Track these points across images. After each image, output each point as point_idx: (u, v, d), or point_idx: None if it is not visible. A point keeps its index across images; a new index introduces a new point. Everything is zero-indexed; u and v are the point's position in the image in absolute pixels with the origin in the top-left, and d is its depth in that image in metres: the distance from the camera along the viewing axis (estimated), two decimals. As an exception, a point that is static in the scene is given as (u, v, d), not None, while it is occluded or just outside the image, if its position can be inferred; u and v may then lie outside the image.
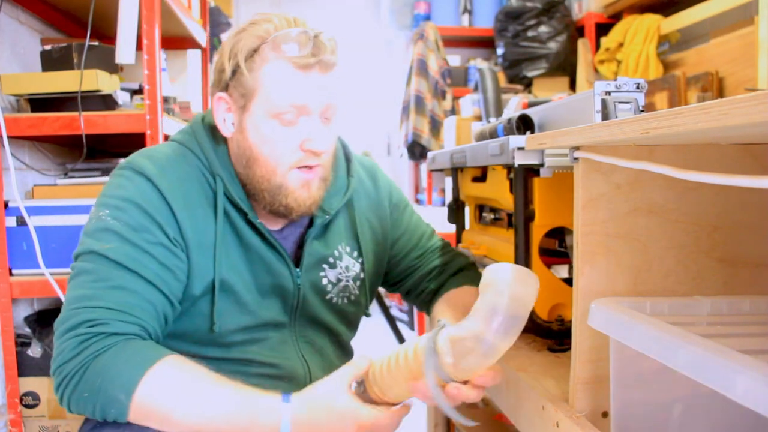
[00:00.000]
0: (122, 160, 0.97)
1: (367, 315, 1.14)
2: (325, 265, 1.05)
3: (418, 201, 4.12)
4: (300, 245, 1.04)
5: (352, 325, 1.13)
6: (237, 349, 0.98)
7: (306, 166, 0.95)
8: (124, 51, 1.55)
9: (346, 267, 1.07)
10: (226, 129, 0.97)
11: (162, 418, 0.80)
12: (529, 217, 0.95)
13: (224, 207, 0.95)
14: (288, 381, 0.99)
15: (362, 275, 1.10)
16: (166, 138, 1.64)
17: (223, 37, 3.26)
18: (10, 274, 1.58)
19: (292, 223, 1.03)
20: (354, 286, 1.09)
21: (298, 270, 1.01)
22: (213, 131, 1.00)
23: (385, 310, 2.78)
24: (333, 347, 1.09)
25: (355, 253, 1.09)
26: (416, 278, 1.17)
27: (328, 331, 1.08)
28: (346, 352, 1.13)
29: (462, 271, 1.15)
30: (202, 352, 0.95)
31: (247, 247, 0.98)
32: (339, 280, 1.07)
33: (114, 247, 0.86)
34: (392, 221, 1.16)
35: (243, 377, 0.93)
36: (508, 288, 0.70)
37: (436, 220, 1.43)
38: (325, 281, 1.05)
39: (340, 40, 0.96)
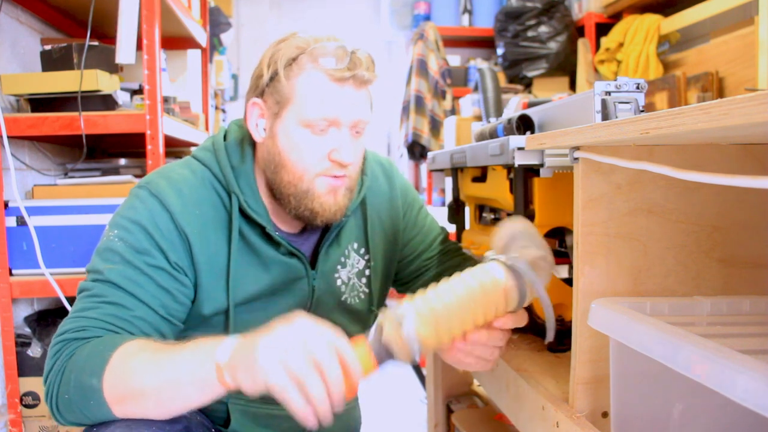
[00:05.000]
0: (141, 179, 0.99)
1: (372, 310, 1.14)
2: (338, 266, 1.07)
3: (418, 201, 4.11)
4: (316, 248, 1.05)
5: (366, 325, 1.13)
6: None
7: (333, 176, 0.96)
8: (125, 51, 1.55)
9: (352, 264, 1.09)
10: (257, 134, 0.98)
11: (132, 388, 0.79)
12: (529, 217, 0.95)
13: (239, 227, 0.97)
14: None
15: (367, 272, 1.11)
16: (166, 138, 1.64)
17: (224, 37, 3.26)
18: (10, 274, 1.58)
19: (310, 227, 1.04)
20: (360, 284, 1.10)
21: (314, 272, 1.03)
22: (240, 146, 1.01)
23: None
24: None
25: (362, 250, 1.10)
26: (426, 279, 1.17)
27: (340, 331, 1.08)
28: None
29: None
30: None
31: (264, 261, 0.99)
32: (350, 279, 1.08)
33: (115, 268, 0.89)
34: (405, 222, 1.17)
35: None
36: (529, 226, 0.83)
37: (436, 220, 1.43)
38: (339, 282, 1.07)
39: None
